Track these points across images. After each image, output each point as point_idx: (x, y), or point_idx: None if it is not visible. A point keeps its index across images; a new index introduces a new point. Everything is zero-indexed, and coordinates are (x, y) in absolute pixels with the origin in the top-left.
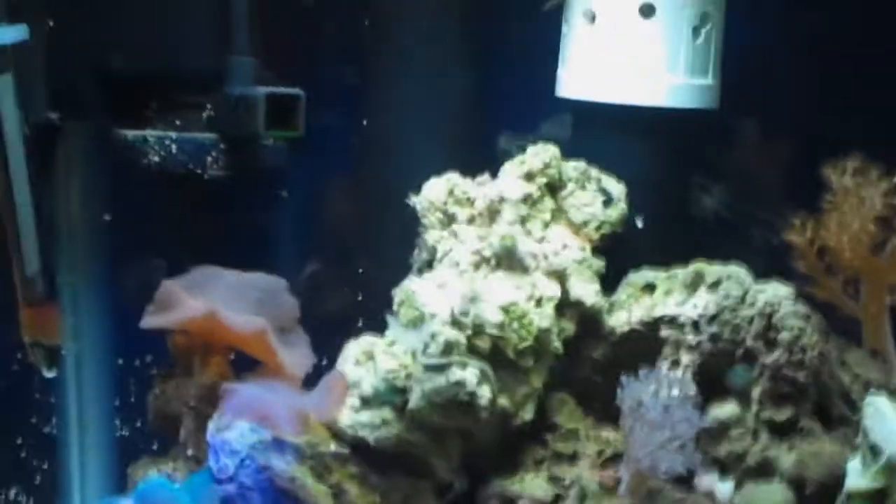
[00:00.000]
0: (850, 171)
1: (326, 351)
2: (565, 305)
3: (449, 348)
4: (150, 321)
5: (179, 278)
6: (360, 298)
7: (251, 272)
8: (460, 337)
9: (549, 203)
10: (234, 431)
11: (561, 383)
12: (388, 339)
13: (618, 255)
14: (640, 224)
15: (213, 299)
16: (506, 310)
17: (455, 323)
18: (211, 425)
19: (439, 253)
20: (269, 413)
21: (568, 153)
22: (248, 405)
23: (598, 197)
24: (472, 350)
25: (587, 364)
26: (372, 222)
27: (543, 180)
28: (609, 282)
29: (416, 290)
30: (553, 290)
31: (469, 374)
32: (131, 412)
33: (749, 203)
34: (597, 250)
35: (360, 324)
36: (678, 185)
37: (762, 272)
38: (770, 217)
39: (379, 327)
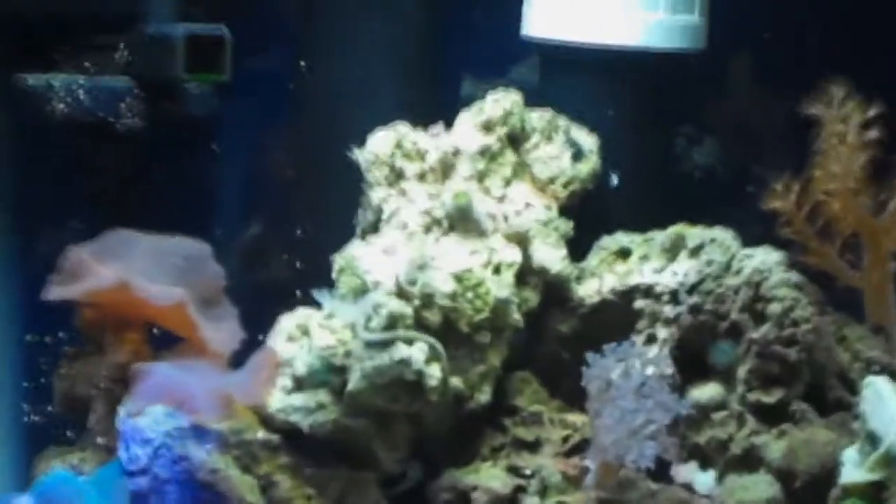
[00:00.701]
0: (835, 100)
1: (258, 326)
2: (528, 273)
3: (393, 321)
4: (54, 292)
5: (88, 244)
6: (297, 266)
7: (170, 237)
8: (406, 309)
9: (510, 157)
10: (146, 417)
11: (522, 361)
12: (325, 311)
13: (588, 216)
14: (614, 182)
15: (126, 267)
16: (459, 278)
17: (401, 293)
18: (122, 410)
19: (385, 213)
20: (188, 396)
21: (533, 101)
22: (164, 387)
23: (566, 150)
24: (420, 324)
25: (552, 339)
26: (311, 180)
27: (504, 130)
28: (578, 247)
29: (357, 256)
30: (513, 255)
31: (416, 350)
32: (40, 396)
33: (741, 158)
34: (564, 211)
35: (297, 294)
36: (659, 137)
37: (756, 239)
38: (766, 174)
39: (315, 300)
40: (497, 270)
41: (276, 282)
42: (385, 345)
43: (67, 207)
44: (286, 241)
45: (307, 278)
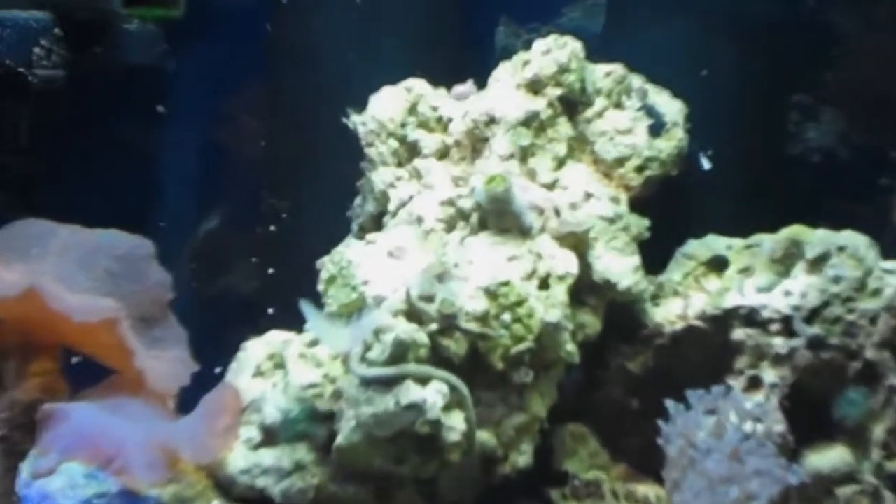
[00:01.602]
0: None
1: (216, 354)
2: (586, 289)
3: (401, 352)
4: None
5: None
6: (270, 272)
7: (99, 230)
8: (419, 335)
9: (564, 128)
10: (59, 479)
11: (576, 410)
12: (307, 335)
13: (670, 211)
14: (706, 165)
15: (37, 270)
16: (492, 293)
17: (412, 313)
18: (24, 468)
19: (393, 203)
20: (116, 449)
21: (597, 54)
22: (84, 436)
23: (641, 120)
24: (439, 356)
25: (618, 381)
26: (291, 155)
27: (557, 92)
28: (655, 254)
29: (353, 261)
30: (567, 264)
31: (431, 392)
32: None
33: (874, 139)
34: (638, 204)
35: (269, 312)
36: (767, 107)
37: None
38: None
39: (296, 317)
40: (544, 284)
41: (242, 294)
42: (389, 384)
43: None
44: (255, 237)
45: (283, 290)
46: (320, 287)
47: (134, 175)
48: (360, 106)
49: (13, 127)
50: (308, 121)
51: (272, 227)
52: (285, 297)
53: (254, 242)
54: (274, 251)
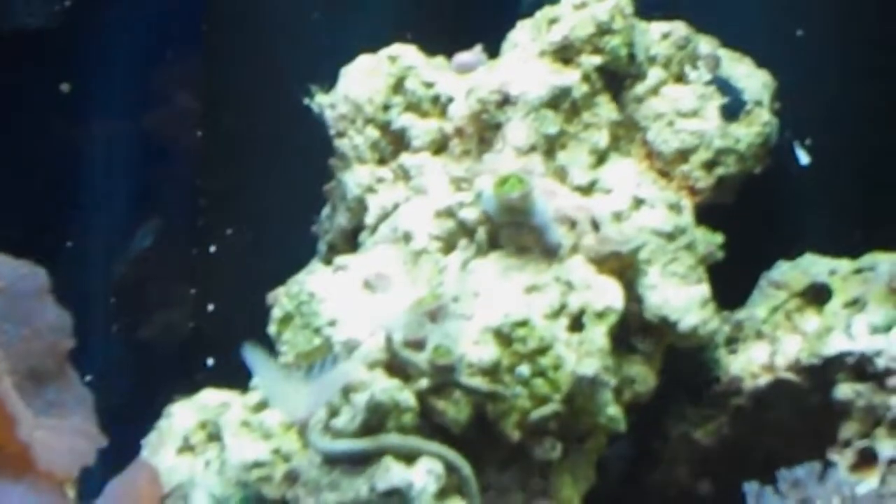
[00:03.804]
0: None
1: (132, 421)
2: (636, 330)
3: (379, 417)
4: None
5: None
6: (207, 309)
7: None
8: (404, 394)
9: (606, 110)
10: None
11: (623, 496)
12: (252, 395)
13: (752, 223)
14: (802, 158)
15: None
16: (506, 337)
17: (395, 364)
18: None
19: (371, 213)
20: None
21: (651, 8)
22: None
23: (712, 99)
24: (431, 423)
25: (681, 456)
26: (237, 149)
27: (596, 61)
28: (731, 281)
29: (317, 293)
30: (609, 295)
31: (420, 474)
32: None
33: None
34: (707, 213)
35: (207, 363)
36: (884, 80)
37: None
38: None
39: (240, 370)
40: (577, 324)
41: (168, 339)
42: (362, 462)
43: None
44: (188, 262)
45: (226, 333)
46: (272, 328)
47: (26, 178)
48: (328, 82)
49: None
50: (259, 103)
51: (211, 248)
52: (228, 342)
53: (189, 269)
54: (215, 280)
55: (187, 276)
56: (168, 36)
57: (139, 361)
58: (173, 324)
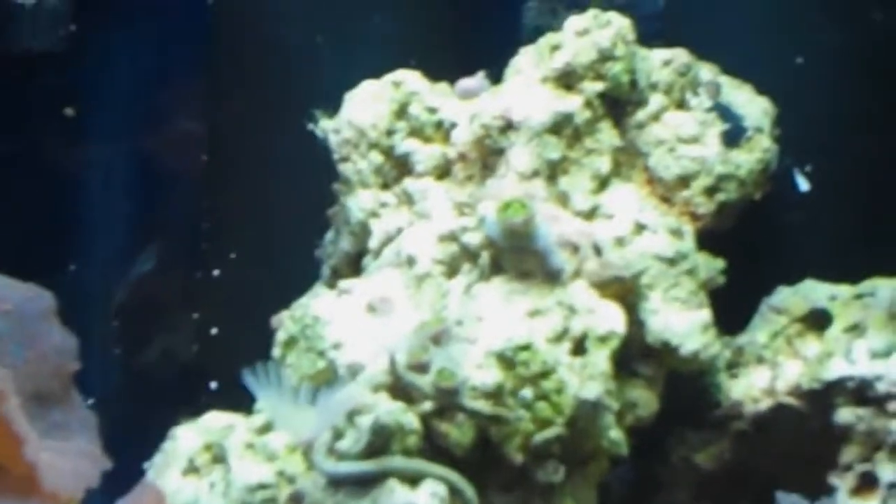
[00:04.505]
0: None
1: (136, 444)
2: (638, 354)
3: (384, 440)
4: None
5: None
6: (211, 332)
7: None
8: (408, 417)
9: (608, 136)
10: None
11: None
12: (256, 418)
13: (752, 248)
14: (802, 185)
15: None
16: (509, 361)
17: (399, 387)
18: None
19: (375, 237)
20: None
21: (652, 36)
22: None
23: (713, 125)
24: (435, 446)
25: (682, 480)
26: (240, 174)
27: (598, 87)
28: (732, 307)
29: (321, 317)
30: (611, 320)
31: (424, 496)
32: None
33: None
34: (708, 238)
35: (208, 387)
36: (892, 104)
37: None
38: None
39: (241, 394)
40: (580, 348)
41: (170, 362)
42: (367, 484)
43: None
44: (192, 286)
45: (229, 356)
46: (276, 352)
47: (28, 201)
48: (332, 108)
49: None
50: (263, 128)
51: (215, 272)
52: (231, 366)
53: (192, 292)
54: (218, 304)
55: (190, 299)
56: (172, 60)
57: (141, 385)
58: (176, 348)
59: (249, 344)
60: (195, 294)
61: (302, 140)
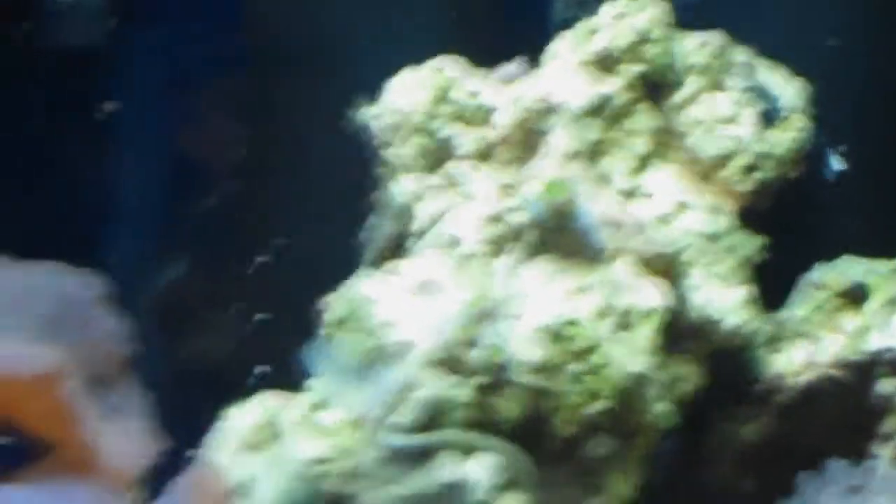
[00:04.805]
0: None
1: (188, 426)
2: (680, 330)
3: (436, 414)
4: None
5: None
6: (257, 318)
7: (30, 263)
8: (459, 391)
9: (647, 118)
10: None
11: (671, 491)
12: (311, 394)
13: (791, 226)
14: (837, 165)
15: None
16: (555, 336)
17: (449, 363)
18: None
19: (419, 220)
20: None
21: (688, 20)
22: None
23: (749, 105)
24: (486, 420)
25: (726, 452)
26: (282, 163)
27: (636, 69)
28: (772, 283)
29: (369, 298)
30: (654, 296)
31: (477, 467)
32: None
33: None
34: (748, 216)
35: (256, 372)
36: None
37: None
38: None
39: (290, 378)
40: (624, 324)
41: (221, 347)
42: (420, 457)
43: None
44: (238, 273)
45: (274, 343)
46: (325, 333)
47: (63, 199)
48: (372, 96)
49: None
50: (303, 118)
51: (259, 257)
52: (277, 351)
53: (235, 278)
54: (263, 288)
55: (231, 286)
56: (210, 56)
57: (182, 370)
58: (216, 335)
59: (293, 331)
60: (239, 281)
61: (343, 128)
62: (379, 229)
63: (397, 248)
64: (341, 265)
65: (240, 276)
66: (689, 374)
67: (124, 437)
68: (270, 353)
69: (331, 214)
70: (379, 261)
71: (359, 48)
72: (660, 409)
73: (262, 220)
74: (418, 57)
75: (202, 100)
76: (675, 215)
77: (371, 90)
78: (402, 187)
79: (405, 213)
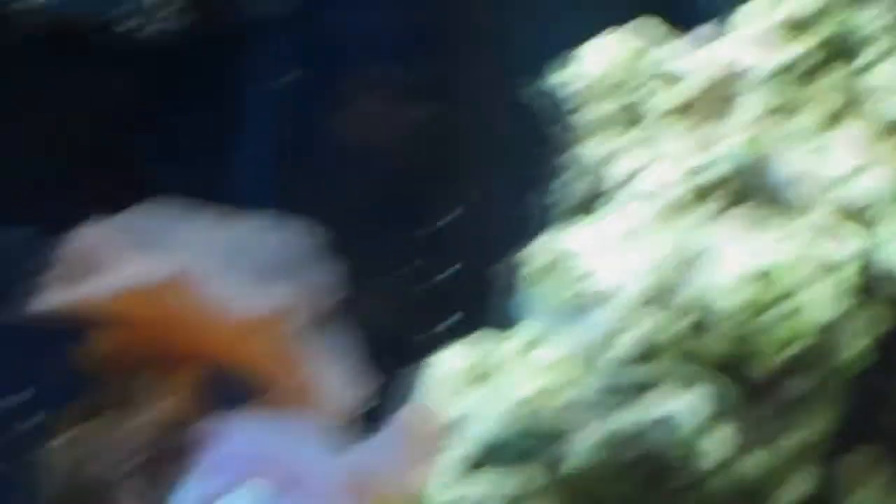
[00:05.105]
0: None
1: (396, 367)
2: (872, 277)
3: (645, 354)
4: (49, 299)
5: (103, 223)
6: (456, 269)
7: (247, 214)
8: (665, 333)
9: (832, 80)
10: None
11: (865, 429)
12: (523, 334)
13: None
14: None
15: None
16: (754, 282)
17: (654, 307)
18: (185, 493)
19: (614, 178)
20: (295, 475)
21: None
22: (255, 460)
23: None
24: (690, 359)
25: None
26: (470, 125)
27: (826, 32)
28: None
29: (572, 248)
30: (849, 245)
31: (685, 404)
32: (14, 486)
33: None
34: None
35: (454, 318)
36: None
37: None
38: None
39: (490, 322)
40: (823, 269)
41: (426, 292)
42: (630, 394)
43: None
44: (433, 232)
45: (470, 292)
46: (527, 282)
47: (230, 173)
48: (555, 61)
49: (113, 99)
50: (490, 80)
51: (453, 215)
52: (478, 297)
53: (431, 235)
54: (461, 240)
55: (424, 241)
56: (393, 35)
57: (388, 314)
58: (420, 282)
59: (496, 278)
60: (434, 236)
61: (519, 98)
62: (571, 189)
63: (590, 204)
64: (526, 229)
65: (434, 232)
66: (880, 319)
67: (341, 375)
68: (470, 301)
69: (523, 172)
70: (573, 215)
71: (543, 16)
72: (856, 351)
73: (458, 173)
74: (606, 22)
75: (384, 75)
76: (862, 172)
77: (552, 60)
78: (595, 148)
79: (599, 172)
